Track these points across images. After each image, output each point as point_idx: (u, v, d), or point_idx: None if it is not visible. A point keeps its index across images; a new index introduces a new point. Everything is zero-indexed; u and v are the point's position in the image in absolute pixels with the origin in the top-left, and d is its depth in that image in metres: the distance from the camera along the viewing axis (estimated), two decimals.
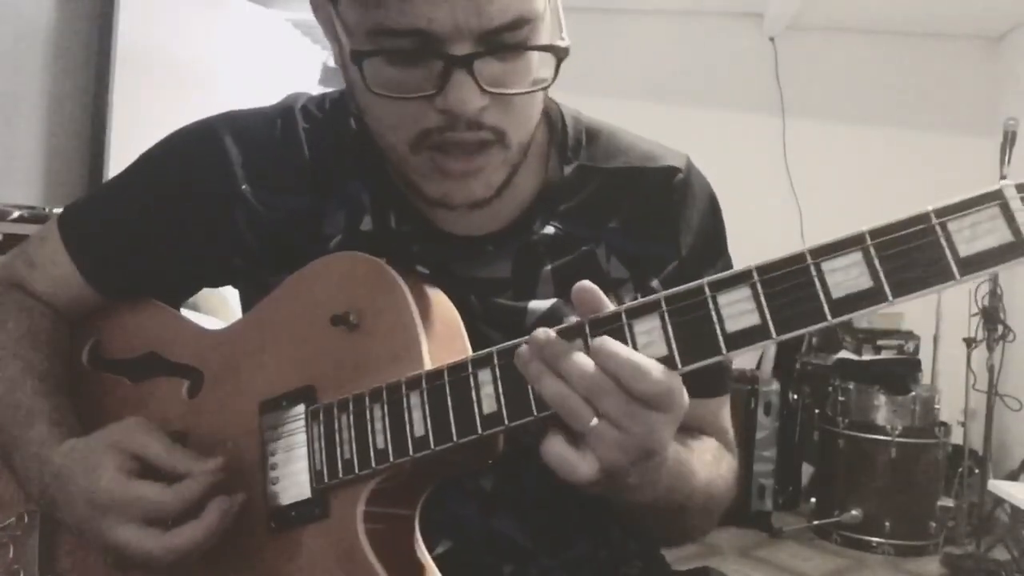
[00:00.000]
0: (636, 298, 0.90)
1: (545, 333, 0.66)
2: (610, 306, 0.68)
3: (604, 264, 0.91)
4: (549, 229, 0.90)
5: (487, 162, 0.78)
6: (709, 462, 0.86)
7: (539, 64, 0.77)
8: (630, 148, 0.94)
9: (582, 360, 0.64)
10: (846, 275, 0.60)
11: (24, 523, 0.90)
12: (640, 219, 0.92)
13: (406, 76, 0.74)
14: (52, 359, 0.92)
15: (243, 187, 0.91)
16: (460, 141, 0.76)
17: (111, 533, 0.77)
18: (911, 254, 0.58)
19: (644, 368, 0.63)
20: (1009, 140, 3.31)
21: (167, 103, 3.33)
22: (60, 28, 3.20)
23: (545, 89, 0.79)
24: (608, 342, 0.65)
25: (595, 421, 0.64)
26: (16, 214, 2.34)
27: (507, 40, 0.73)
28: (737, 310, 0.62)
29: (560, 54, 0.75)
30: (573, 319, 0.69)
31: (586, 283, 0.68)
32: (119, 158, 3.29)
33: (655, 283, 0.91)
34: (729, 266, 0.95)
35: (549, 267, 0.89)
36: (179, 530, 0.76)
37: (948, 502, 3.57)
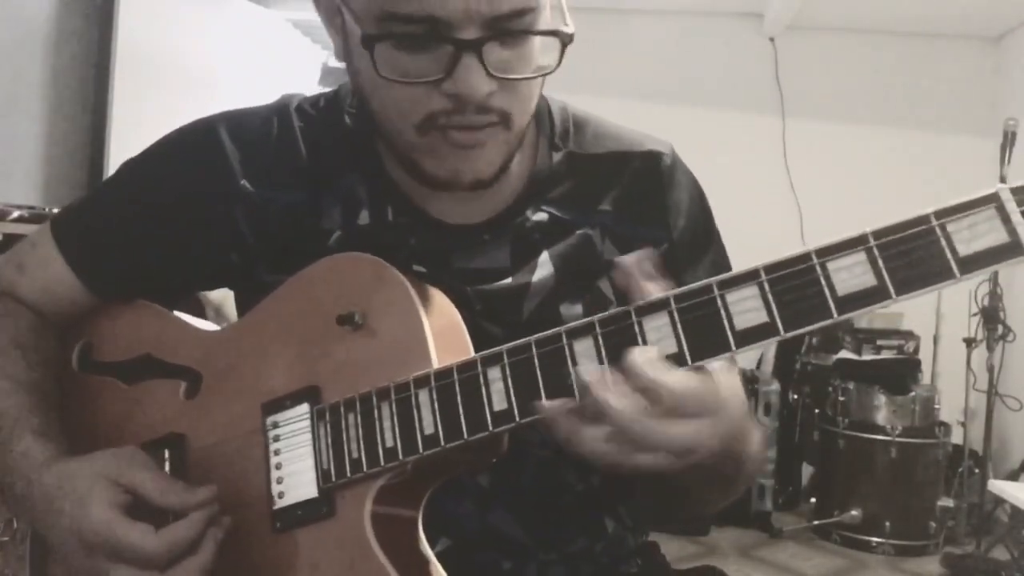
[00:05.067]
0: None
1: (598, 373, 0.65)
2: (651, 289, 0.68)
3: (599, 246, 0.92)
4: (542, 215, 0.91)
5: (490, 137, 0.81)
6: None
7: (541, 51, 0.80)
8: (617, 135, 0.97)
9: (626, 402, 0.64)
10: (851, 274, 0.62)
11: (12, 528, 0.90)
12: (630, 201, 0.93)
13: (414, 61, 0.76)
14: (39, 369, 0.91)
15: (242, 183, 0.91)
16: (467, 123, 0.78)
17: (104, 573, 0.76)
18: (913, 253, 0.60)
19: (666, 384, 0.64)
20: (1009, 140, 3.31)
21: (167, 103, 3.33)
22: (60, 28, 3.20)
23: (548, 75, 0.81)
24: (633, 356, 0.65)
25: (647, 456, 0.65)
26: (16, 214, 2.33)
27: (513, 26, 0.75)
28: (745, 307, 0.64)
29: (565, 39, 0.78)
30: (589, 317, 0.69)
31: (625, 259, 0.69)
32: (119, 158, 3.27)
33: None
34: (722, 255, 0.98)
35: (547, 252, 0.90)
36: (176, 571, 0.75)
37: (948, 502, 3.57)
